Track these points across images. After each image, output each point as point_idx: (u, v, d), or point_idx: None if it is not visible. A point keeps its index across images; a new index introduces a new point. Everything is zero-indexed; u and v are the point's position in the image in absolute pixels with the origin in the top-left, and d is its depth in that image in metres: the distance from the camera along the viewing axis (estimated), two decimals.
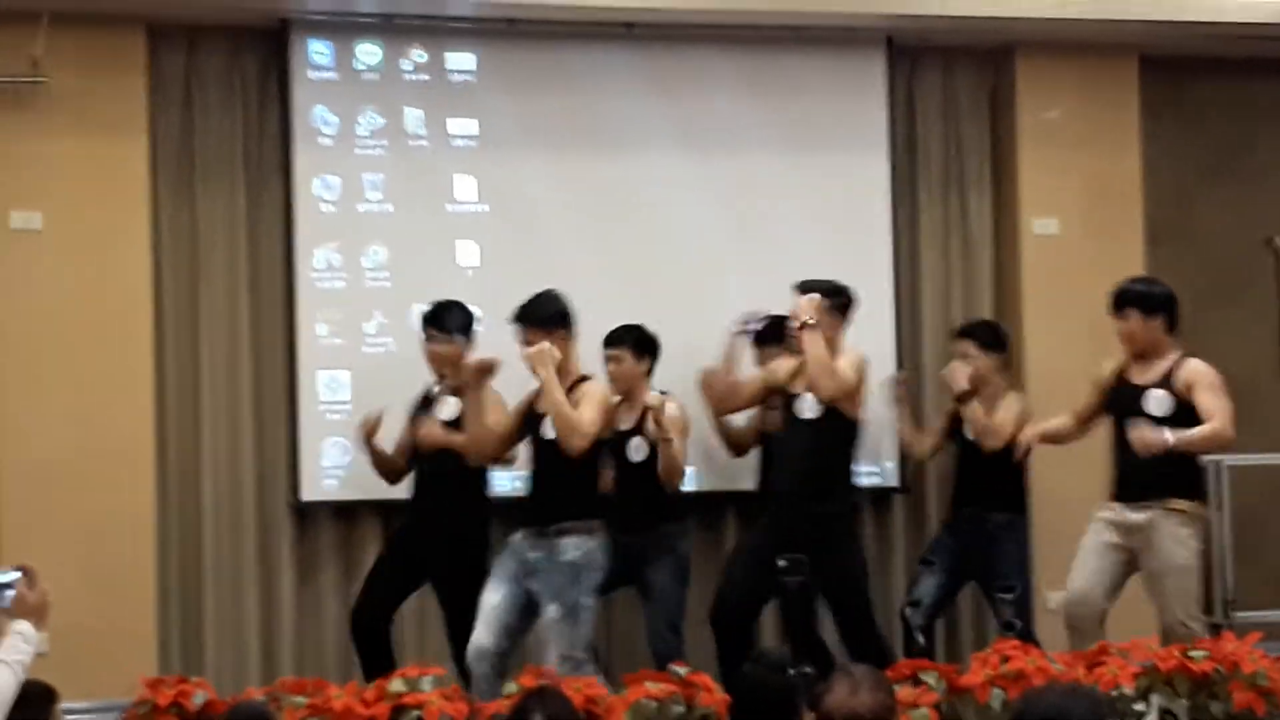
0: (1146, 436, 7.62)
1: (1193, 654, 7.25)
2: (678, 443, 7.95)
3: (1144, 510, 7.87)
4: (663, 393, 8.15)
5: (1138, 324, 8.00)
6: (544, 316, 7.79)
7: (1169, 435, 7.64)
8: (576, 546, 7.63)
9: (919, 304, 9.50)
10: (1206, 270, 9.87)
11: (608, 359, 8.23)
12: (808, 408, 8.11)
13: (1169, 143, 9.82)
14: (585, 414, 7.56)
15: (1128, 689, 7.10)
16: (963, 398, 8.72)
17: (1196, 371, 7.93)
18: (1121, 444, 7.93)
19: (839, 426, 8.09)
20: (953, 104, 9.63)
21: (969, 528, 8.69)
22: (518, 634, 7.71)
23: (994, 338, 8.91)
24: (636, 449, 8.18)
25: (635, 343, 8.28)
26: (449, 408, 8.10)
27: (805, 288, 8.12)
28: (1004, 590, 8.57)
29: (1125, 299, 8.06)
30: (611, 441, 8.00)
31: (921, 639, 8.50)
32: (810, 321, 8.00)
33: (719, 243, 9.17)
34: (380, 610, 8.13)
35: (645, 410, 8.12)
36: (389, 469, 8.35)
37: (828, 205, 9.29)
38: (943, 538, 8.83)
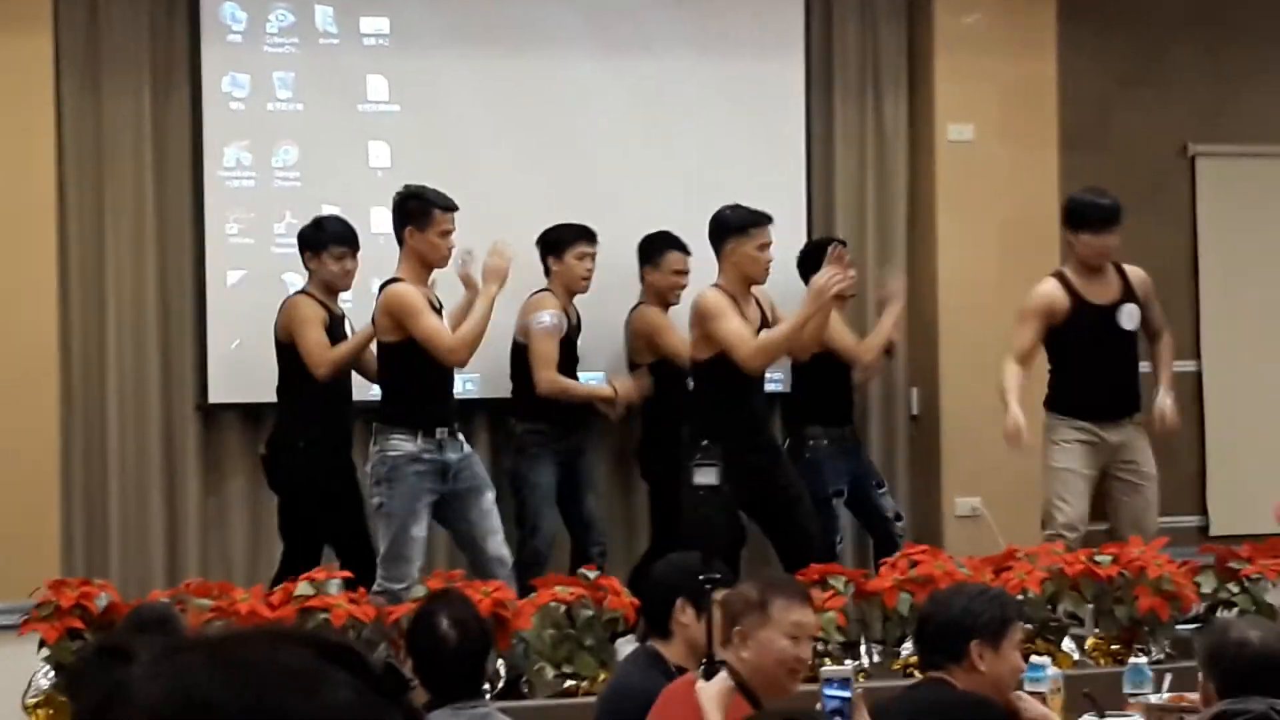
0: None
1: (1099, 558, 7.30)
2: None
3: (1120, 428, 8.11)
4: None
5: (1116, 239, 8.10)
6: None
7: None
8: (465, 437, 7.74)
9: (833, 210, 9.44)
10: (1121, 177, 9.83)
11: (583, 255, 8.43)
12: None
13: (1086, 48, 9.77)
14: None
15: (1034, 593, 7.15)
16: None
17: (1144, 277, 8.27)
18: (1096, 366, 7.99)
19: None
20: (870, 7, 9.54)
21: (851, 446, 8.72)
22: None
23: None
24: None
25: None
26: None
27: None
28: (881, 485, 8.72)
29: (1119, 215, 8.09)
30: None
31: None
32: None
33: (633, 145, 9.10)
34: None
35: None
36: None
37: (742, 108, 9.23)
38: (838, 462, 8.69)
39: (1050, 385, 8.24)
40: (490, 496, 7.67)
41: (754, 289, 8.04)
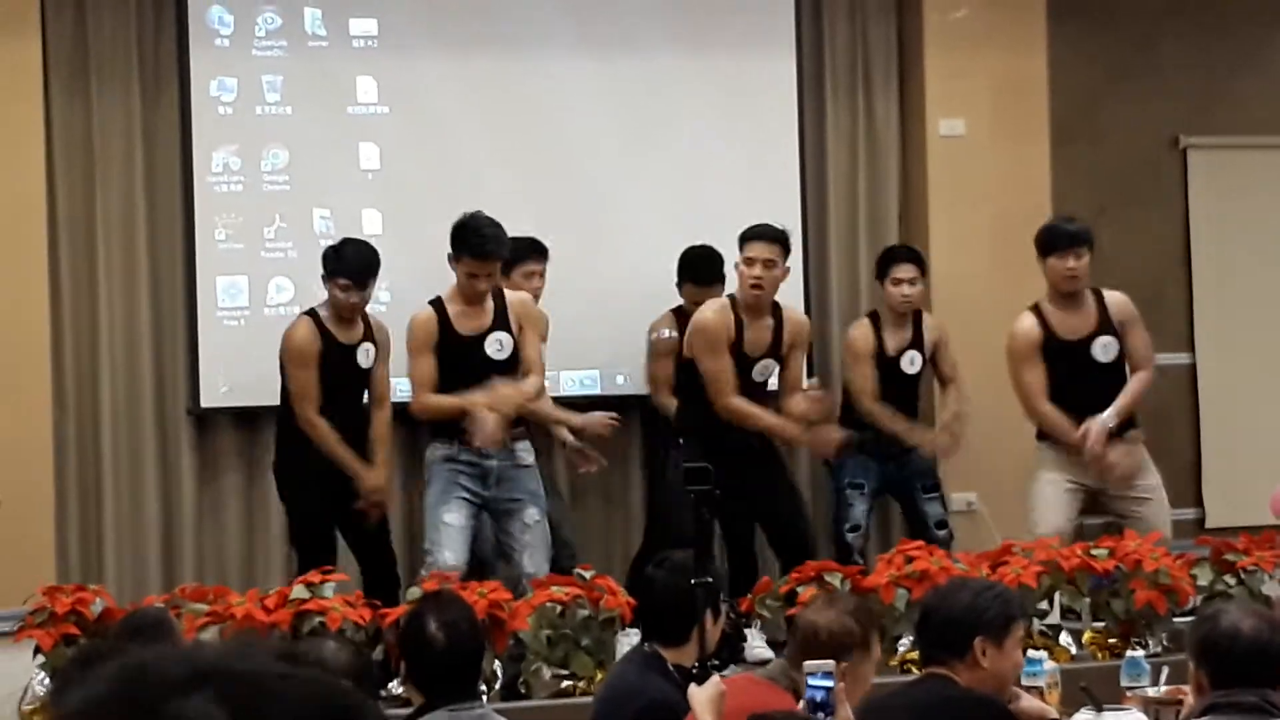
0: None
1: (1095, 552, 7.29)
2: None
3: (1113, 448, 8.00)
4: None
5: (1087, 263, 8.04)
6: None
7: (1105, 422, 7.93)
8: (528, 450, 7.70)
9: (825, 208, 9.42)
10: (1113, 170, 9.86)
11: (531, 274, 8.16)
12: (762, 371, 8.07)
13: (1076, 42, 9.76)
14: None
15: (1031, 587, 7.14)
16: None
17: (1126, 305, 8.17)
18: (1071, 400, 7.97)
19: None
20: (859, 3, 9.52)
21: (892, 449, 8.62)
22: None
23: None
24: None
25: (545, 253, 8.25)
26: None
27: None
28: (933, 490, 8.56)
29: (1085, 238, 8.05)
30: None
31: (860, 560, 8.40)
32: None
33: (623, 144, 9.07)
34: None
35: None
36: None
37: (734, 107, 9.20)
38: (866, 460, 8.62)
39: None
40: (533, 512, 7.56)
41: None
